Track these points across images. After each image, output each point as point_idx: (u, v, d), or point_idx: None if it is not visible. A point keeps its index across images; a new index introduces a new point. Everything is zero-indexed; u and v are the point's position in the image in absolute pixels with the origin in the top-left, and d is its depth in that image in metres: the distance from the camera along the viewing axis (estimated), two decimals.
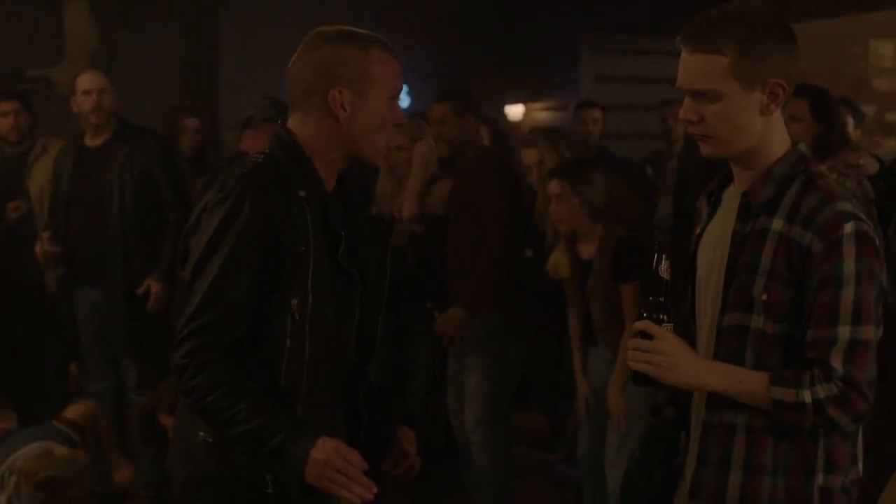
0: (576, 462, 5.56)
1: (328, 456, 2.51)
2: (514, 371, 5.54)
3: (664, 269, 2.50)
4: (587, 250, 4.91)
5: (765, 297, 2.43)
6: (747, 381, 2.44)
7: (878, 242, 2.41)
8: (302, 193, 2.69)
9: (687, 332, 2.62)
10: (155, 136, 6.22)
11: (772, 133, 2.51)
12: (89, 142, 5.94)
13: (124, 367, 5.88)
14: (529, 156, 5.67)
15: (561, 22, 10.74)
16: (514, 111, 11.61)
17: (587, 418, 5.08)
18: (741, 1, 2.51)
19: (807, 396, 2.37)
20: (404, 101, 11.45)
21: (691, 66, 2.47)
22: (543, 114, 11.57)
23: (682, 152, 6.05)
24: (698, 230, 2.67)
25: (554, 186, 4.88)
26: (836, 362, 2.36)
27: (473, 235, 5.34)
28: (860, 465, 2.56)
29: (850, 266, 2.36)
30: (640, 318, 2.51)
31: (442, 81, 11.55)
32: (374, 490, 2.55)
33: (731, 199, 2.58)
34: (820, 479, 2.47)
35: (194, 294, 2.64)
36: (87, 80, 5.91)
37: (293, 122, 2.78)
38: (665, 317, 2.49)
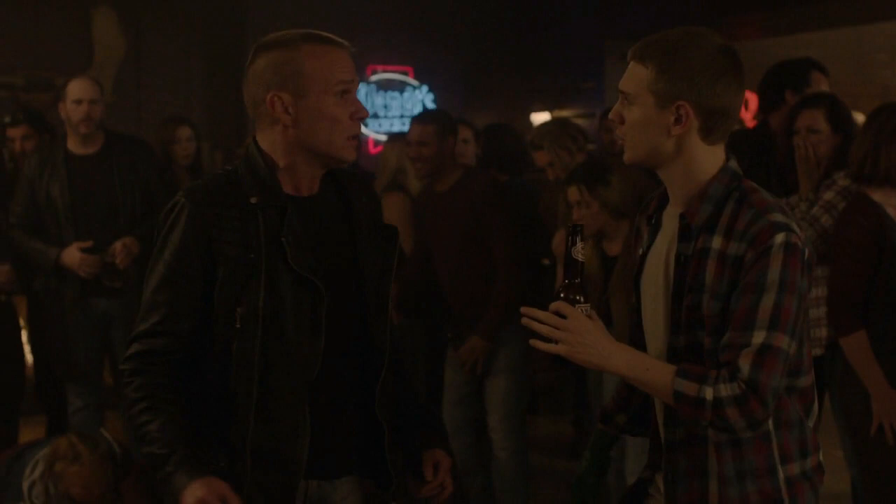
0: None
1: (196, 501, 2.55)
2: (532, 374, 5.57)
3: (578, 251, 2.53)
4: (614, 248, 4.93)
5: (708, 313, 2.48)
6: (654, 371, 2.48)
7: (805, 255, 2.46)
8: (253, 200, 2.69)
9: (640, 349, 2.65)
10: (145, 143, 6.24)
11: (694, 157, 2.54)
12: (79, 150, 5.85)
13: None
14: (540, 158, 5.72)
15: (587, 30, 10.75)
16: (540, 119, 11.61)
17: None
18: (697, 27, 2.57)
19: (708, 393, 2.41)
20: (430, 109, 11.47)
21: (627, 72, 2.58)
22: None
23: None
24: (640, 251, 2.71)
25: (572, 193, 4.90)
26: (744, 363, 2.40)
27: (485, 264, 5.33)
28: (819, 454, 2.61)
29: (774, 274, 2.41)
30: (556, 299, 2.54)
31: (468, 90, 11.59)
32: None
33: (669, 219, 2.63)
34: (781, 472, 2.53)
35: (142, 302, 2.72)
36: (78, 89, 5.79)
37: (258, 135, 2.78)
38: (581, 297, 2.52)
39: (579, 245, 2.53)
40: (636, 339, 2.72)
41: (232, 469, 2.68)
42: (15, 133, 6.68)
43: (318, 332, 2.70)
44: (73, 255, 5.73)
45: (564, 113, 11.68)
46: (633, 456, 4.84)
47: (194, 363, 2.70)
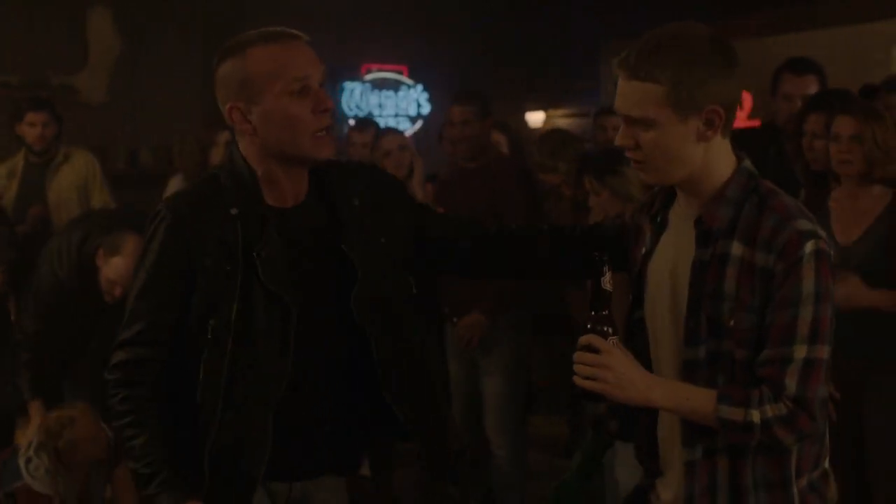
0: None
1: None
2: (527, 373, 5.58)
3: (607, 281, 2.43)
4: None
5: (732, 322, 2.39)
6: (694, 399, 2.40)
7: (832, 257, 2.39)
8: (234, 211, 2.62)
9: (639, 355, 2.54)
10: None
11: (715, 157, 2.45)
12: None
13: None
14: (552, 178, 5.75)
15: (582, 29, 10.75)
16: (535, 118, 11.61)
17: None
18: (680, 24, 2.45)
19: (755, 416, 2.34)
20: (425, 107, 11.47)
21: (627, 93, 2.42)
22: (564, 121, 11.57)
23: None
24: (643, 251, 2.61)
25: (586, 183, 4.95)
26: (791, 380, 2.34)
27: None
28: (825, 462, 2.54)
29: (808, 286, 2.33)
30: (584, 331, 2.43)
31: (463, 88, 11.56)
32: None
33: (679, 221, 2.53)
34: (794, 485, 2.45)
35: (127, 308, 2.72)
36: (123, 270, 5.10)
37: (238, 141, 2.73)
38: (610, 329, 2.41)
39: (608, 275, 2.43)
40: (637, 346, 2.60)
41: (194, 475, 2.66)
42: (36, 119, 6.57)
43: (286, 351, 2.65)
44: (37, 414, 5.21)
45: (559, 112, 11.69)
46: (625, 461, 4.83)
47: (171, 370, 2.68)
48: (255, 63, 2.60)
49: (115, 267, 5.15)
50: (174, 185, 7.18)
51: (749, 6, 9.56)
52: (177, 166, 7.34)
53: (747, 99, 10.97)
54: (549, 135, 6.35)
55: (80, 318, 5.21)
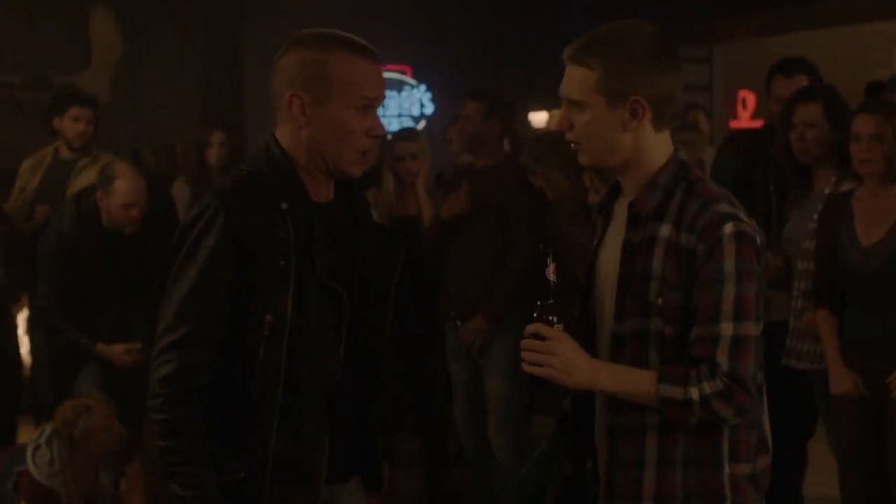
0: None
1: None
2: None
3: (551, 271, 2.54)
4: None
5: (660, 301, 2.50)
6: (637, 381, 2.50)
7: (757, 240, 2.50)
8: (284, 206, 2.60)
9: (583, 342, 2.62)
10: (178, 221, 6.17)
11: (647, 145, 2.59)
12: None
13: None
14: (536, 181, 5.75)
15: (584, 29, 10.76)
16: (538, 118, 11.60)
17: None
18: (628, 21, 2.64)
19: (694, 394, 2.44)
20: (428, 108, 11.47)
21: (568, 77, 2.63)
22: None
23: (715, 160, 5.96)
24: (595, 243, 2.73)
25: (587, 180, 4.96)
26: (722, 358, 2.44)
27: (497, 245, 5.35)
28: (769, 457, 2.63)
29: (730, 265, 2.44)
30: (531, 320, 2.55)
31: (466, 89, 11.56)
32: None
33: (621, 210, 2.66)
34: (727, 468, 2.53)
35: (168, 308, 2.61)
36: (128, 193, 5.30)
37: (278, 131, 2.70)
38: (555, 318, 2.53)
39: (551, 266, 2.55)
40: (580, 329, 2.69)
41: (252, 478, 2.62)
42: (81, 114, 6.44)
43: (339, 341, 2.67)
44: (108, 353, 5.34)
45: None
46: None
47: (220, 371, 2.60)
48: (337, 66, 2.61)
49: (120, 190, 5.21)
50: (177, 186, 7.19)
51: (749, 6, 9.57)
52: (178, 167, 7.34)
53: (750, 99, 10.98)
54: (540, 138, 6.34)
55: (88, 269, 5.28)
